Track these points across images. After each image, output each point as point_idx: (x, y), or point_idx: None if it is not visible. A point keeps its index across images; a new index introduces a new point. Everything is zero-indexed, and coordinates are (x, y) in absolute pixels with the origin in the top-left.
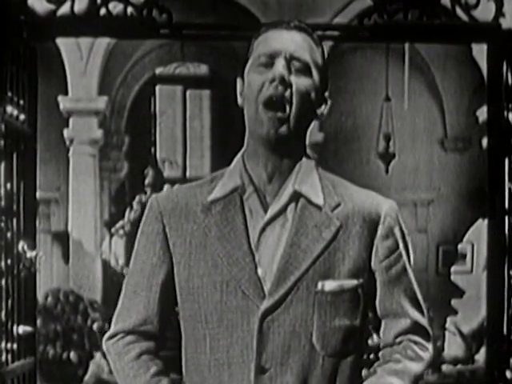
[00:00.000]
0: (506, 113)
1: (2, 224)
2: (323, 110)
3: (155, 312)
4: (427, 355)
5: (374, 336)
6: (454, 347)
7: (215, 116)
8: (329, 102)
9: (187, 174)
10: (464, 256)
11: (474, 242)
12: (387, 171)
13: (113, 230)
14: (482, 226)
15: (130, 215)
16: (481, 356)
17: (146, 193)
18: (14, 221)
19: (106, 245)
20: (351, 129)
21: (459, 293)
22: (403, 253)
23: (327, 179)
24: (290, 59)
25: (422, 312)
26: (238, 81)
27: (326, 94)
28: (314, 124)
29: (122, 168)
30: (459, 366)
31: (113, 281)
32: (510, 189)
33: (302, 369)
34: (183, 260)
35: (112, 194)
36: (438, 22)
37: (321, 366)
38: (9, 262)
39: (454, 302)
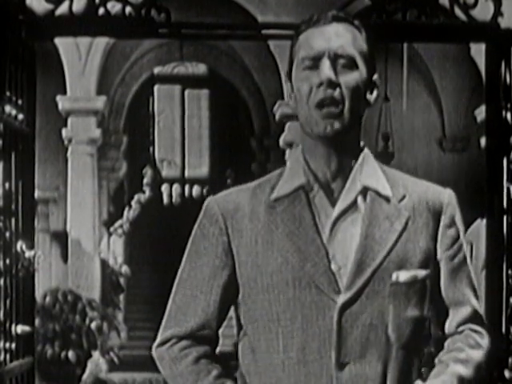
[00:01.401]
0: (504, 112)
1: (1, 224)
2: (374, 95)
3: (215, 316)
4: (485, 342)
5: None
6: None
7: (214, 115)
8: (378, 85)
9: (186, 173)
10: None
11: (473, 241)
12: None
13: (111, 229)
14: (480, 225)
15: (128, 214)
16: None
17: (144, 192)
18: (13, 220)
19: (104, 244)
20: None
21: None
22: (463, 241)
23: (389, 172)
24: (334, 58)
25: (478, 299)
26: (286, 83)
27: (375, 77)
28: None
29: (120, 167)
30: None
31: (111, 280)
32: (508, 188)
33: (379, 361)
34: (250, 260)
35: (110, 193)
36: (437, 22)
37: (395, 357)
38: (7, 261)
39: None
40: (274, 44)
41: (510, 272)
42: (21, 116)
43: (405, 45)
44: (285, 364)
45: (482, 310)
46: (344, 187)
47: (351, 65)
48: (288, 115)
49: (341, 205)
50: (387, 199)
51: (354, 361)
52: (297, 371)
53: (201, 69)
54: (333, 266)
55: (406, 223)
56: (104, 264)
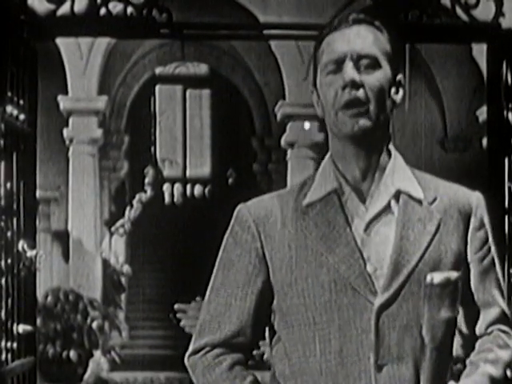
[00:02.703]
0: (505, 112)
1: (2, 223)
2: (400, 95)
3: (249, 323)
4: None
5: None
6: (454, 346)
7: (215, 115)
8: (403, 84)
9: (187, 172)
10: None
11: None
12: None
13: (113, 228)
14: None
15: (130, 214)
16: None
17: (146, 192)
18: (14, 220)
19: (105, 243)
20: None
21: None
22: (492, 243)
23: (418, 175)
24: (357, 59)
25: (505, 300)
26: (313, 92)
27: (399, 76)
28: (314, 124)
29: (121, 167)
30: (459, 366)
31: (112, 279)
32: (509, 188)
33: (415, 362)
34: (284, 265)
35: (112, 193)
36: (438, 22)
37: (429, 358)
38: (9, 261)
39: None
40: (276, 44)
41: (510, 271)
42: (22, 116)
43: (406, 45)
44: (322, 367)
45: (508, 311)
46: (374, 188)
47: (374, 64)
48: (289, 115)
49: (374, 207)
50: (419, 202)
51: (392, 362)
52: (335, 374)
53: (202, 69)
54: (368, 268)
55: (439, 225)
56: (105, 263)
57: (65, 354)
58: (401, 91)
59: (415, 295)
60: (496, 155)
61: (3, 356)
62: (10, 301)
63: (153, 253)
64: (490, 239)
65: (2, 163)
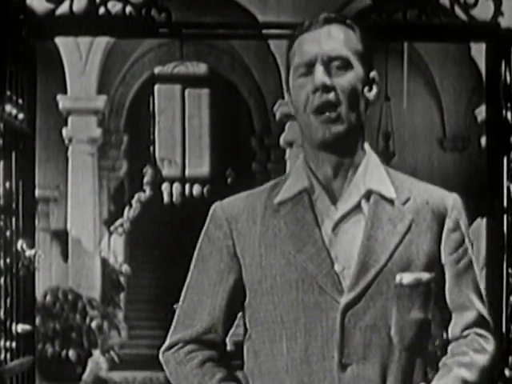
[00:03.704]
0: (504, 112)
1: (1, 222)
2: (374, 92)
3: (221, 320)
4: (491, 347)
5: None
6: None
7: (214, 115)
8: (377, 81)
9: (186, 172)
10: None
11: (473, 240)
12: None
13: (112, 228)
14: (480, 224)
15: (129, 213)
16: None
17: (144, 191)
18: (13, 219)
19: (105, 243)
20: None
21: None
22: (469, 245)
23: (393, 175)
24: (327, 61)
25: (484, 304)
26: (286, 93)
27: (372, 73)
28: None
29: (120, 167)
30: None
31: (111, 279)
32: (508, 188)
33: (381, 363)
34: (254, 262)
35: (111, 192)
36: (437, 22)
37: (398, 359)
38: (8, 260)
39: None
40: (275, 43)
41: (510, 271)
42: (21, 115)
43: (405, 44)
44: (288, 366)
45: (487, 315)
46: (345, 188)
47: (345, 65)
48: (288, 114)
49: (344, 207)
50: (391, 202)
51: (357, 362)
52: (300, 372)
53: (201, 68)
54: (336, 267)
55: (410, 226)
56: (104, 263)
57: (64, 353)
58: (374, 88)
59: (383, 295)
60: (495, 154)
61: (2, 355)
62: (8, 300)
63: (152, 252)
64: (467, 241)
65: (1, 162)
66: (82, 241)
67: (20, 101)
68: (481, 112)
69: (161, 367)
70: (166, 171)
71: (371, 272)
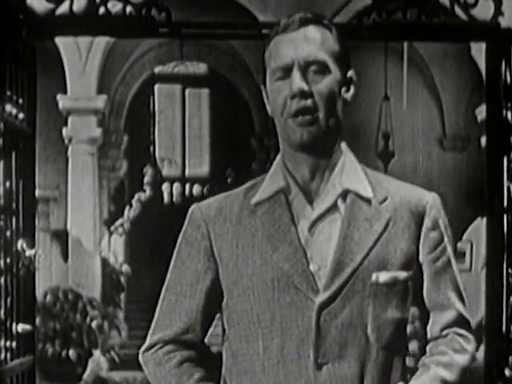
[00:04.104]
0: (504, 111)
1: (1, 222)
2: (351, 92)
3: (198, 320)
4: (471, 347)
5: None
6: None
7: (214, 114)
8: (355, 80)
9: (186, 172)
10: (463, 254)
11: (473, 240)
12: (386, 170)
13: (112, 228)
14: (480, 224)
15: (129, 213)
16: (479, 354)
17: (145, 191)
18: (13, 219)
19: (105, 243)
20: (350, 128)
21: None
22: (448, 244)
23: (370, 174)
24: (304, 66)
25: (464, 303)
26: (263, 90)
27: (350, 73)
28: None
29: (120, 166)
30: None
31: (112, 279)
32: (508, 187)
33: (358, 362)
34: (231, 263)
35: (111, 192)
36: (437, 21)
37: (375, 358)
38: (8, 260)
39: None
40: None
41: (510, 271)
42: (21, 115)
43: (405, 44)
44: (265, 365)
45: (467, 314)
46: (322, 188)
47: (323, 69)
48: None
49: (320, 207)
50: (368, 201)
51: (333, 361)
52: (276, 372)
53: (201, 68)
54: (311, 267)
55: (387, 225)
56: (104, 263)
57: (64, 353)
58: (352, 88)
59: (359, 294)
60: (495, 154)
61: (2, 355)
62: (9, 300)
63: (152, 252)
64: (447, 241)
65: (1, 162)
66: (82, 241)
67: (20, 100)
68: (481, 112)
69: None
70: (166, 171)
71: (347, 271)
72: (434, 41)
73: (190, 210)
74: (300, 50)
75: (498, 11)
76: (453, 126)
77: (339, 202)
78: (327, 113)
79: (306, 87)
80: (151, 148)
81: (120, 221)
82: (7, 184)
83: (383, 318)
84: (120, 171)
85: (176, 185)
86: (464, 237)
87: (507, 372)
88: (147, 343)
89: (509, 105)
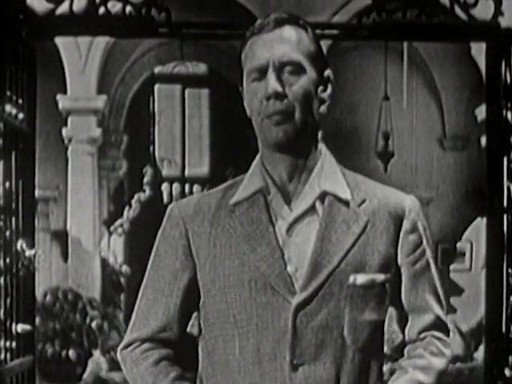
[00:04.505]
0: (504, 111)
1: (1, 222)
2: (329, 91)
3: (175, 318)
4: (449, 351)
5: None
6: (452, 345)
7: (214, 115)
8: (332, 80)
9: (186, 172)
10: (463, 254)
11: (473, 240)
12: (386, 170)
13: (112, 228)
14: (480, 224)
15: (128, 213)
16: (479, 354)
17: (144, 191)
18: (13, 219)
19: (104, 243)
20: (350, 127)
21: (458, 291)
22: (427, 247)
23: (349, 176)
24: (280, 67)
25: (442, 307)
26: (241, 90)
27: (326, 72)
28: None
29: (120, 167)
30: (458, 364)
31: (111, 279)
32: (508, 187)
33: (334, 363)
34: (208, 262)
35: (111, 192)
36: (437, 21)
37: (351, 360)
38: (7, 260)
39: (452, 300)
40: None
41: (510, 271)
42: (21, 115)
43: (405, 44)
44: (240, 365)
45: (446, 318)
46: (300, 189)
47: (298, 70)
48: None
49: (298, 208)
50: (346, 203)
51: (309, 362)
52: (252, 372)
53: (201, 68)
54: (289, 268)
55: (365, 227)
56: (104, 263)
57: (64, 353)
58: (329, 87)
59: (336, 296)
60: (495, 154)
61: (2, 355)
62: (8, 300)
63: (152, 252)
64: (426, 244)
65: (1, 162)
66: (82, 241)
67: (20, 101)
68: (481, 112)
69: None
70: (165, 171)
71: (323, 272)
72: (434, 41)
73: (169, 208)
74: (275, 50)
75: (498, 11)
76: (453, 126)
77: (317, 203)
78: (303, 112)
79: (280, 89)
80: (151, 148)
81: (119, 221)
82: (7, 184)
83: (360, 320)
84: (120, 171)
85: (176, 185)
86: (464, 237)
87: (507, 372)
88: (125, 341)
89: (509, 105)
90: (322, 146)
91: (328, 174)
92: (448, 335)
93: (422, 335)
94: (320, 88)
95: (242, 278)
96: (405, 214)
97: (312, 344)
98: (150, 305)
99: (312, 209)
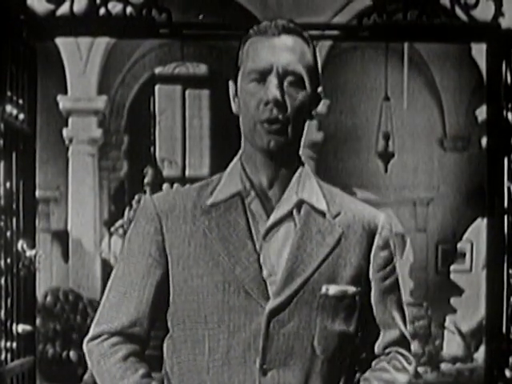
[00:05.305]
0: (505, 112)
1: (2, 223)
2: (318, 107)
3: (146, 314)
4: (411, 368)
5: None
6: (453, 346)
7: (214, 115)
8: (322, 98)
9: (186, 173)
10: (463, 255)
11: (474, 240)
12: (386, 170)
13: (112, 229)
14: (481, 224)
15: (129, 214)
16: (480, 355)
17: (145, 192)
18: (14, 220)
19: (105, 244)
20: (351, 128)
21: (458, 291)
22: (396, 265)
23: (325, 188)
24: (282, 75)
25: (406, 325)
26: (231, 85)
27: (319, 89)
28: (313, 123)
29: (121, 167)
30: (458, 365)
31: None
32: (509, 188)
33: (303, 371)
34: (181, 261)
35: (111, 193)
36: (438, 22)
37: (320, 369)
38: (8, 260)
39: (453, 300)
40: None
41: (510, 271)
42: (22, 116)
43: (405, 44)
44: (209, 367)
45: (409, 336)
46: (279, 196)
47: (298, 82)
48: None
49: (276, 214)
50: (322, 214)
51: (278, 368)
52: (221, 374)
53: (202, 69)
54: (264, 273)
55: (339, 239)
56: (105, 264)
57: (64, 354)
58: (320, 103)
59: (309, 305)
60: (495, 155)
61: (3, 356)
62: (9, 300)
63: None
64: (396, 261)
65: (2, 163)
66: (83, 241)
67: (20, 101)
68: (481, 112)
69: (160, 368)
70: (166, 172)
71: (297, 281)
72: (435, 41)
73: (142, 201)
74: (280, 57)
75: (499, 12)
76: (453, 127)
77: (294, 211)
78: (296, 126)
79: (280, 98)
80: (151, 149)
81: (120, 222)
82: (8, 184)
83: (330, 330)
84: (120, 172)
85: (176, 185)
86: (464, 237)
87: (507, 373)
88: (92, 333)
89: (509, 105)
90: (301, 156)
91: (306, 183)
92: (410, 352)
93: (387, 350)
94: (313, 104)
95: (216, 280)
96: (377, 230)
97: (282, 350)
98: (121, 298)
99: (289, 216)
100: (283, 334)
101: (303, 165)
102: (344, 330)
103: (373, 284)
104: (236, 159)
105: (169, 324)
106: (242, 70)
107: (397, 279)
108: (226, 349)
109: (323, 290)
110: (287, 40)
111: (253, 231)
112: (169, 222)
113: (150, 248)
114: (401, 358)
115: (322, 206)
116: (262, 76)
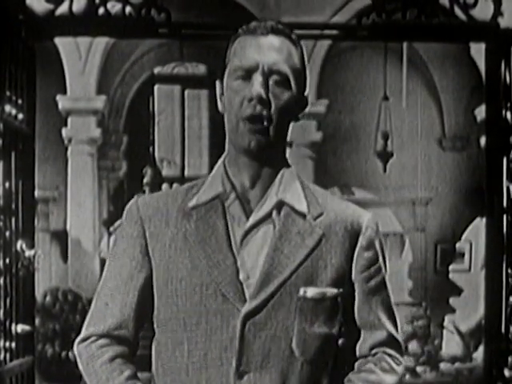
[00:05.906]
0: (504, 112)
1: (1, 223)
2: (303, 110)
3: (131, 316)
4: (400, 369)
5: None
6: (452, 345)
7: (213, 116)
8: (308, 102)
9: (185, 173)
10: (462, 254)
11: (472, 240)
12: (385, 170)
13: (111, 228)
14: (480, 224)
15: None
16: (479, 354)
17: (144, 192)
18: (13, 220)
19: (104, 243)
20: (349, 127)
21: (457, 291)
22: (382, 265)
23: (308, 189)
24: (268, 73)
25: (396, 325)
26: (218, 85)
27: (306, 92)
28: (312, 123)
29: (120, 167)
30: (457, 364)
31: None
32: (508, 187)
33: (280, 373)
34: (162, 264)
35: (110, 192)
36: (437, 22)
37: (299, 371)
38: (7, 260)
39: (452, 300)
40: None
41: (509, 271)
42: (21, 115)
43: (404, 44)
44: (189, 369)
45: (399, 336)
46: (259, 198)
47: (284, 83)
48: None
49: (255, 216)
50: (302, 215)
51: (255, 370)
52: (199, 376)
53: (201, 69)
54: (241, 276)
55: (319, 241)
56: (104, 263)
57: (64, 353)
58: (305, 106)
59: (286, 307)
60: (494, 154)
61: (2, 356)
62: (8, 300)
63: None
64: (381, 262)
65: (1, 163)
66: (82, 241)
67: (19, 101)
68: (480, 112)
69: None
70: (165, 172)
71: (274, 283)
72: (434, 41)
73: (128, 205)
74: (267, 55)
75: (498, 12)
76: (452, 126)
77: (274, 213)
78: (279, 127)
79: (264, 95)
80: (150, 148)
81: (119, 222)
82: (7, 184)
83: (309, 333)
84: (119, 172)
85: (175, 185)
86: (463, 237)
87: (506, 372)
88: (82, 335)
89: (508, 105)
90: (286, 156)
91: (287, 184)
92: (401, 352)
93: (374, 351)
94: (298, 106)
95: (194, 283)
96: (361, 231)
97: (259, 353)
98: (108, 301)
99: (268, 217)
100: (260, 336)
101: (288, 166)
102: (324, 332)
103: (356, 285)
104: (220, 161)
105: (154, 326)
106: (229, 67)
107: (383, 280)
108: (203, 351)
109: (301, 292)
110: (274, 40)
111: (231, 234)
112: (152, 225)
113: (134, 251)
114: (389, 358)
115: (303, 208)
116: (248, 74)
